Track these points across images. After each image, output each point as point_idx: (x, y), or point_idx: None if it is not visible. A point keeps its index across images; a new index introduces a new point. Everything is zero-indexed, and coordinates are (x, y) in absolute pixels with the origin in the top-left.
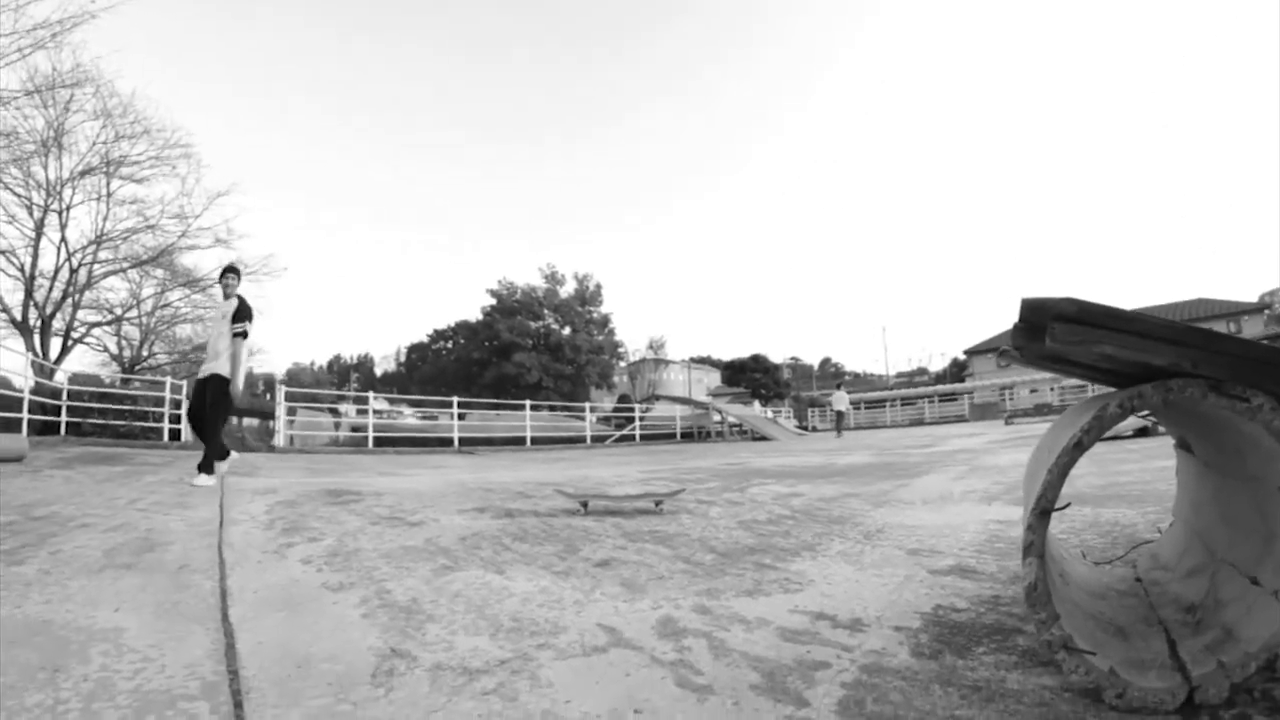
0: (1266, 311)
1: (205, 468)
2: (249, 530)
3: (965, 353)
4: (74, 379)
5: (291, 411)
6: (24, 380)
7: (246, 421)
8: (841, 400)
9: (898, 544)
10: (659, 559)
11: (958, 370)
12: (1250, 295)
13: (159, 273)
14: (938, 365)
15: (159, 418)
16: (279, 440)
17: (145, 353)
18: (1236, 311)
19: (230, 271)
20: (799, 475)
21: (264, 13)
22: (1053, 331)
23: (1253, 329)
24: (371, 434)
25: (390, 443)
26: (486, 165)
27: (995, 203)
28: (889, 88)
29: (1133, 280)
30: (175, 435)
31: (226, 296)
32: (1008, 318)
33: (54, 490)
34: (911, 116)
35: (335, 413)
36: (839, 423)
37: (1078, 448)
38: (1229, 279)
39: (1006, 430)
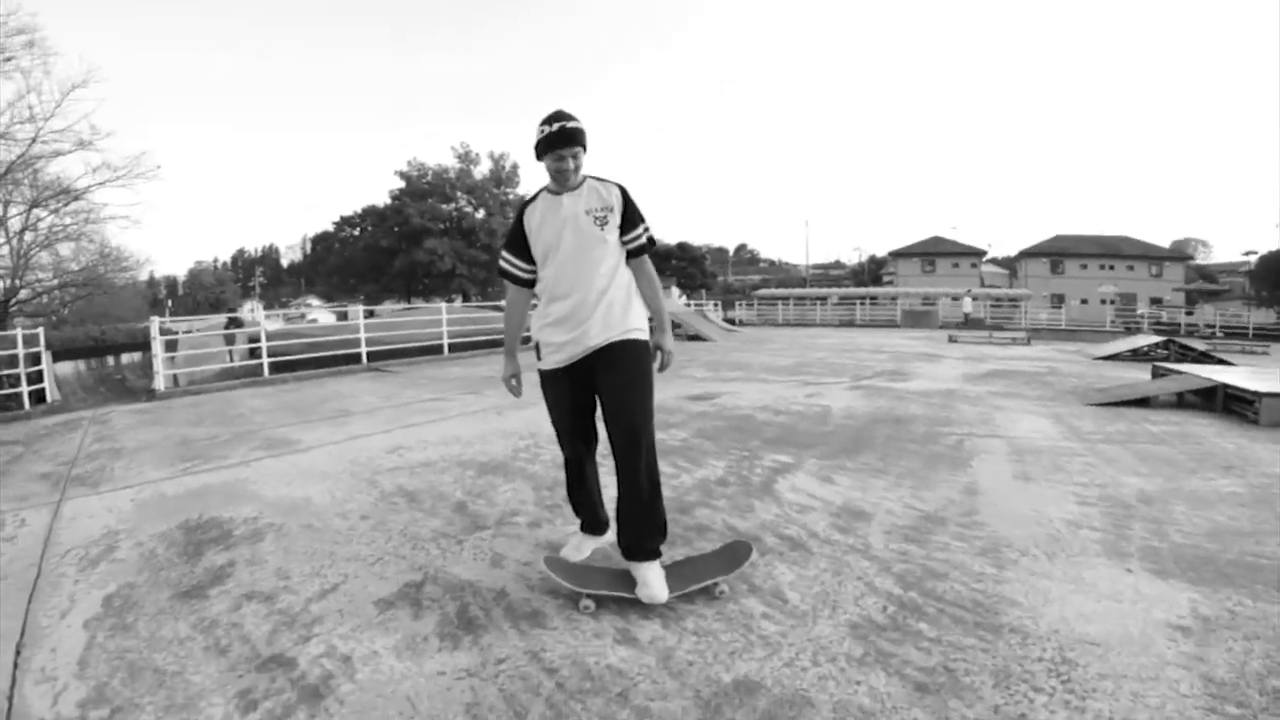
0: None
1: (650, 551)
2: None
3: (891, 254)
4: None
5: (171, 346)
6: None
7: (126, 358)
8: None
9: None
10: None
11: (875, 268)
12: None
13: (23, 190)
14: (853, 260)
15: (14, 380)
16: (159, 383)
17: (19, 283)
18: (1160, 257)
19: (561, 124)
20: (807, 444)
21: None
22: None
23: (1173, 275)
24: (266, 359)
25: (288, 367)
26: (396, 48)
27: (917, 112)
28: None
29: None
30: (40, 398)
31: (565, 182)
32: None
33: None
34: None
35: (236, 323)
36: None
37: None
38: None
39: (961, 353)
